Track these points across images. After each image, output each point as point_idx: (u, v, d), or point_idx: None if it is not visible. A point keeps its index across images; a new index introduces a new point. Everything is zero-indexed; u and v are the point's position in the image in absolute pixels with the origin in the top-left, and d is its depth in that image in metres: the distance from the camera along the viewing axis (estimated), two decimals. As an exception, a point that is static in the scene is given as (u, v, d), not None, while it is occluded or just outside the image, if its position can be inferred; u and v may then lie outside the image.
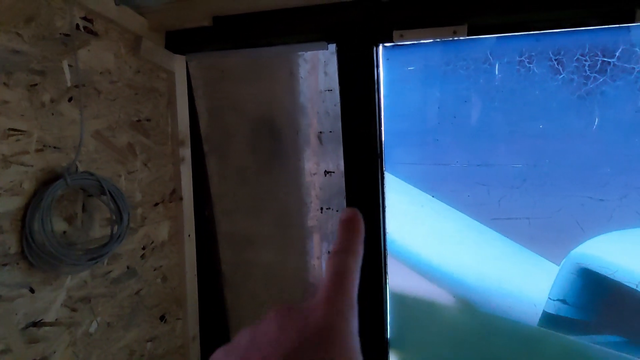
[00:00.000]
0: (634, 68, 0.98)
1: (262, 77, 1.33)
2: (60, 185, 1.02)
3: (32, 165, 0.99)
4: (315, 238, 1.40)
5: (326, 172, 1.33)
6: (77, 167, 1.09)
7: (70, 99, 1.07)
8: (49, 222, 0.99)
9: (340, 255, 0.32)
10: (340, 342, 0.27)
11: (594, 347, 1.13)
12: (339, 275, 0.30)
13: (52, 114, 1.03)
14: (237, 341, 0.29)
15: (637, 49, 0.97)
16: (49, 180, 1.02)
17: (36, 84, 0.99)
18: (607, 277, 1.08)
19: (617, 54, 0.99)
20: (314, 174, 1.35)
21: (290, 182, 1.38)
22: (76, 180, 1.05)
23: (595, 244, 1.09)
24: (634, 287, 1.06)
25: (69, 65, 1.06)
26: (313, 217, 1.38)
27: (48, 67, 1.02)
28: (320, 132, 1.30)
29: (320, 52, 1.23)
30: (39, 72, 1.00)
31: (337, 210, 1.34)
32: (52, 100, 1.03)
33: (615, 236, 1.07)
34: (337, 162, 1.30)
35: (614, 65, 0.99)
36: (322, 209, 1.36)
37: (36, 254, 0.98)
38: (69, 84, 1.06)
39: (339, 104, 1.23)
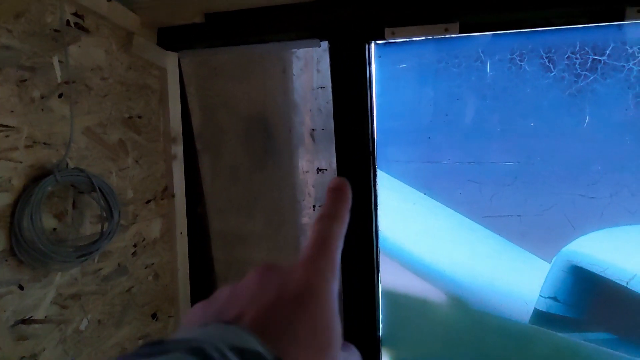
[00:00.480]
0: (624, 66, 0.99)
1: (255, 74, 1.33)
2: (50, 182, 1.01)
3: (21, 162, 0.99)
4: (308, 235, 1.39)
5: (319, 170, 1.33)
6: (67, 164, 1.08)
7: (60, 95, 1.06)
8: (38, 218, 0.99)
9: (325, 220, 0.32)
10: (317, 300, 0.27)
11: (585, 345, 1.13)
12: (322, 238, 0.31)
13: (42, 110, 1.03)
14: (217, 296, 0.30)
15: (627, 47, 0.98)
16: (38, 176, 1.01)
17: (26, 80, 0.99)
18: (598, 275, 1.09)
19: (607, 52, 0.99)
20: (307, 172, 1.35)
21: (283, 180, 1.38)
22: (66, 176, 1.04)
23: (586, 242, 1.09)
24: (625, 284, 1.07)
25: (60, 62, 1.06)
26: (306, 215, 1.38)
27: (38, 63, 1.01)
28: (313, 130, 1.30)
29: (313, 49, 1.23)
30: (29, 68, 1.00)
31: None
32: (42, 96, 1.02)
33: (606, 234, 1.07)
34: (329, 160, 1.30)
35: (605, 63, 1.00)
36: (314, 206, 1.36)
37: (25, 250, 0.98)
38: (59, 80, 1.06)
39: (331, 102, 1.23)
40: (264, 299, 0.27)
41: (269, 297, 0.27)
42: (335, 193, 0.33)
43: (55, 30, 1.04)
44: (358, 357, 0.31)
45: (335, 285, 0.29)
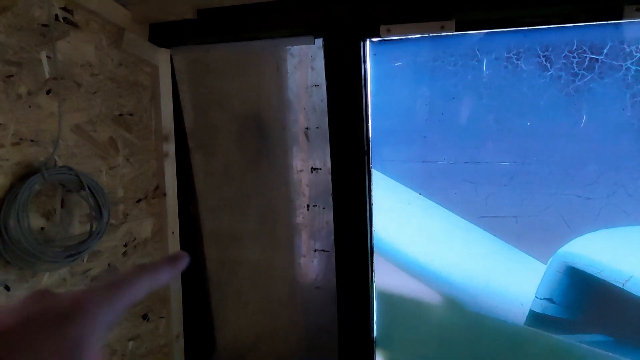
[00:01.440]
0: (621, 65, 0.97)
1: (249, 71, 1.31)
2: (38, 180, 0.99)
3: (7, 159, 0.96)
4: (302, 235, 1.38)
5: (313, 169, 1.31)
6: (55, 162, 1.06)
7: (48, 92, 1.04)
8: (25, 218, 0.97)
9: (140, 270, 0.32)
10: (79, 322, 0.27)
11: (581, 346, 1.12)
12: (122, 279, 0.31)
13: (29, 107, 1.00)
14: None
15: (625, 46, 0.97)
16: (25, 174, 0.99)
17: (12, 75, 0.96)
18: (594, 276, 1.08)
19: (605, 51, 0.98)
20: (301, 171, 1.33)
21: (276, 179, 1.36)
22: (54, 175, 1.02)
23: (582, 243, 1.08)
24: (621, 286, 1.06)
25: (48, 57, 1.03)
26: (300, 214, 1.36)
27: (25, 58, 0.99)
28: (307, 128, 1.28)
29: (307, 46, 1.21)
30: (16, 63, 0.97)
31: (323, 208, 1.32)
32: (29, 93, 1.00)
33: (602, 235, 1.06)
34: (324, 159, 1.28)
35: (602, 62, 0.99)
36: (308, 206, 1.34)
37: (12, 250, 0.95)
38: (47, 76, 1.03)
39: (326, 100, 1.21)
40: (23, 312, 0.27)
41: (30, 311, 0.27)
42: (171, 261, 0.34)
43: (44, 25, 1.02)
44: None
45: (105, 320, 0.28)
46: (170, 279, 0.34)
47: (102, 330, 0.27)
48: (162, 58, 1.32)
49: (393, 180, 1.23)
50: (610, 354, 1.09)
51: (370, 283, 1.28)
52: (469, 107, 1.12)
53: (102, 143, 1.18)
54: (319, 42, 1.18)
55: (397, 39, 1.13)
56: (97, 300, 0.28)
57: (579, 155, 1.05)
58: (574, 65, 1.01)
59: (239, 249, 1.47)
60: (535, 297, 1.14)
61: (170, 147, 1.38)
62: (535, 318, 1.15)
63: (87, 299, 0.28)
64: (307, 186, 1.33)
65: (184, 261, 0.35)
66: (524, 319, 1.16)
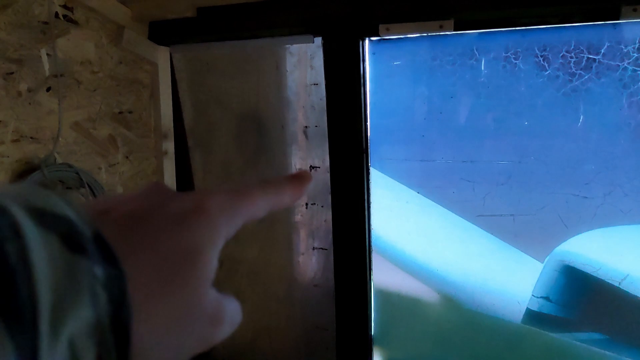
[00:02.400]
0: (619, 65, 0.98)
1: (248, 70, 1.31)
2: (37, 177, 0.99)
3: (7, 156, 0.97)
4: (301, 234, 1.38)
5: (312, 167, 1.31)
6: (55, 159, 1.06)
7: (48, 89, 1.04)
8: (24, 214, 0.97)
9: (266, 185, 0.29)
10: (198, 225, 0.24)
11: (577, 345, 1.13)
12: (246, 190, 0.27)
13: (30, 104, 1.01)
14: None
15: (622, 46, 0.97)
16: (25, 171, 1.00)
17: (12, 73, 0.97)
18: (591, 275, 1.09)
19: (602, 51, 0.99)
20: (300, 169, 1.33)
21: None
22: (54, 172, 1.03)
23: (579, 242, 1.09)
24: (617, 284, 1.06)
25: (48, 55, 1.04)
26: (298, 212, 1.37)
27: (25, 56, 0.99)
28: (306, 127, 1.29)
29: (307, 45, 1.22)
30: (16, 60, 0.98)
31: (322, 206, 1.33)
32: (29, 90, 1.00)
33: (599, 234, 1.07)
34: (322, 157, 1.29)
35: (599, 62, 0.99)
36: (307, 204, 1.35)
37: (11, 247, 0.96)
38: (47, 74, 1.04)
39: (325, 98, 1.21)
40: (136, 202, 0.24)
41: (143, 202, 0.24)
42: (295, 180, 0.30)
43: (44, 23, 1.02)
44: (237, 308, 0.27)
45: (225, 230, 0.25)
46: (293, 201, 0.30)
47: (220, 241, 0.24)
48: (162, 56, 1.32)
49: (391, 179, 1.24)
50: (607, 352, 1.10)
51: (368, 281, 1.29)
52: (467, 106, 1.12)
53: (101, 140, 1.19)
54: (318, 40, 1.18)
55: (396, 38, 1.13)
56: (221, 207, 0.25)
57: (576, 154, 1.05)
58: (572, 65, 1.01)
59: (237, 247, 1.47)
60: (532, 295, 1.15)
61: (169, 145, 1.38)
62: (532, 316, 1.16)
63: (209, 202, 0.24)
64: (305, 184, 1.34)
65: (308, 182, 0.31)
66: (521, 317, 1.17)
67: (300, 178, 0.30)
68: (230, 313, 0.26)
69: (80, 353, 0.18)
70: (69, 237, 0.18)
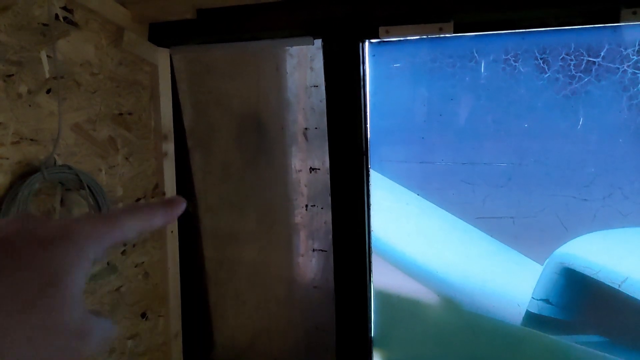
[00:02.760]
0: (618, 68, 0.98)
1: (248, 71, 1.31)
2: (37, 179, 0.99)
3: (7, 158, 0.97)
4: (301, 235, 1.38)
5: (311, 169, 1.31)
6: (55, 161, 1.06)
7: (48, 91, 1.04)
8: (24, 216, 0.97)
9: (135, 209, 0.31)
10: (61, 248, 0.26)
11: (577, 347, 1.13)
12: (115, 214, 0.29)
13: (30, 106, 1.01)
14: None
15: (622, 49, 0.97)
16: (25, 173, 1.00)
17: (12, 75, 0.97)
18: (590, 277, 1.09)
19: (602, 53, 0.99)
20: (299, 171, 1.33)
21: (275, 179, 1.37)
22: (54, 173, 1.03)
23: (579, 244, 1.09)
24: (617, 287, 1.06)
25: (48, 56, 1.04)
26: (298, 214, 1.37)
27: (25, 58, 0.99)
28: (306, 129, 1.29)
29: (307, 47, 1.22)
30: (16, 62, 0.98)
31: (322, 208, 1.33)
32: (29, 92, 1.00)
33: (599, 236, 1.07)
34: (322, 159, 1.29)
35: (599, 65, 0.99)
36: (307, 206, 1.35)
37: (11, 249, 0.96)
38: (47, 75, 1.04)
39: (324, 100, 1.21)
40: (4, 228, 0.26)
41: (9, 230, 0.26)
42: (167, 204, 0.33)
43: (44, 24, 1.02)
44: (108, 323, 0.29)
45: (91, 253, 0.27)
46: (164, 224, 0.32)
47: (87, 264, 0.26)
48: (162, 57, 1.32)
49: (391, 181, 1.24)
50: (606, 354, 1.10)
51: (368, 283, 1.29)
52: (467, 108, 1.12)
53: (101, 142, 1.19)
54: (318, 42, 1.18)
55: (395, 40, 1.13)
56: (86, 232, 0.27)
57: (576, 157, 1.05)
58: (571, 67, 1.01)
59: (237, 248, 1.47)
60: (532, 297, 1.15)
61: (169, 147, 1.38)
62: (531, 318, 1.16)
63: (75, 228, 0.27)
64: (305, 186, 1.34)
65: (180, 207, 0.33)
66: (521, 319, 1.17)
67: (172, 202, 0.33)
68: (100, 330, 0.27)
69: None
70: None
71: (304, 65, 1.25)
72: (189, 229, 1.49)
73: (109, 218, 0.29)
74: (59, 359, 0.25)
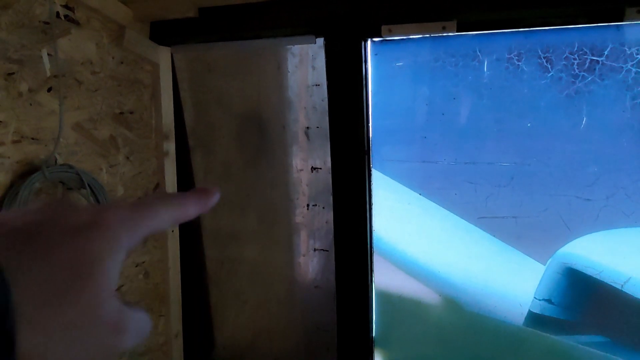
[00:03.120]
0: (622, 67, 0.98)
1: (249, 70, 1.31)
2: (38, 178, 0.99)
3: (8, 157, 0.96)
4: (302, 235, 1.38)
5: (313, 169, 1.31)
6: (56, 160, 1.06)
7: (49, 89, 1.04)
8: (25, 215, 0.96)
9: (169, 197, 0.29)
10: (94, 239, 0.24)
11: (579, 347, 1.12)
12: (147, 204, 0.28)
13: (30, 105, 1.00)
14: None
15: (625, 48, 0.97)
16: (26, 172, 0.99)
17: (13, 73, 0.96)
18: (593, 277, 1.08)
19: (605, 52, 0.98)
20: (301, 170, 1.33)
21: (276, 178, 1.36)
22: (55, 173, 1.02)
23: (582, 244, 1.08)
24: (619, 287, 1.06)
25: (49, 55, 1.03)
26: (299, 213, 1.36)
27: (26, 56, 0.99)
28: (308, 128, 1.29)
29: (308, 46, 1.21)
30: (17, 60, 0.97)
31: (323, 207, 1.32)
32: (30, 90, 1.00)
33: (602, 236, 1.07)
34: (324, 159, 1.28)
35: (603, 64, 0.99)
36: (308, 205, 1.34)
37: (11, 248, 0.95)
38: (48, 74, 1.03)
39: (326, 99, 1.21)
40: (32, 215, 0.24)
41: (39, 215, 0.24)
42: (201, 194, 0.31)
43: (45, 23, 1.02)
44: (145, 318, 0.27)
45: (126, 242, 0.25)
46: (197, 213, 0.31)
47: (121, 254, 0.25)
48: (163, 56, 1.32)
49: (393, 180, 1.23)
50: (609, 355, 1.10)
51: (369, 283, 1.29)
52: (470, 107, 1.12)
53: (102, 141, 1.18)
54: (320, 41, 1.18)
55: (398, 39, 1.13)
56: (120, 219, 0.25)
57: (579, 156, 1.05)
58: (575, 66, 1.01)
59: (238, 248, 1.47)
60: (534, 297, 1.14)
61: (170, 146, 1.38)
62: (533, 319, 1.15)
63: (108, 215, 0.25)
64: (307, 185, 1.33)
65: (214, 197, 0.32)
66: (523, 319, 1.16)
67: (206, 192, 0.32)
68: (136, 324, 0.26)
69: None
70: None
71: (305, 64, 1.24)
72: (190, 229, 1.49)
73: (144, 205, 0.27)
74: (94, 353, 0.24)
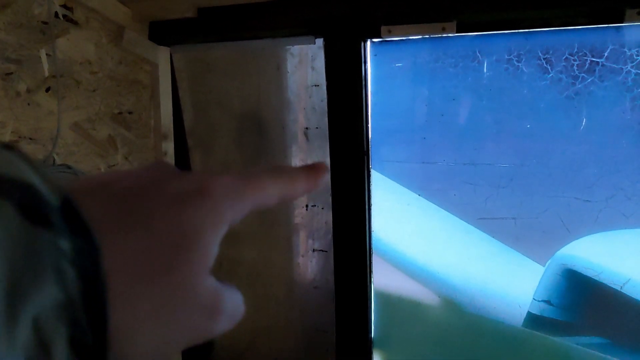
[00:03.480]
0: (622, 69, 0.97)
1: (249, 70, 1.31)
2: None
3: (6, 157, 0.96)
4: (301, 236, 1.38)
5: (312, 169, 1.31)
6: (54, 160, 1.06)
7: (47, 89, 1.04)
8: (23, 216, 0.96)
9: (278, 172, 0.27)
10: (202, 207, 0.22)
11: (578, 349, 1.12)
12: (255, 177, 0.25)
13: (28, 104, 1.00)
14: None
15: (626, 50, 0.97)
16: (24, 172, 0.99)
17: (11, 73, 0.96)
18: (592, 279, 1.08)
19: (605, 54, 0.98)
20: (316, 162, 1.33)
21: (275, 179, 1.36)
22: (52, 173, 1.02)
23: (581, 245, 1.08)
24: (619, 288, 1.06)
25: (47, 55, 1.03)
26: (298, 214, 1.36)
27: (24, 56, 0.99)
28: (307, 128, 1.28)
29: (308, 46, 1.21)
30: (15, 60, 0.97)
31: (322, 208, 1.32)
32: (28, 90, 1.00)
33: (601, 237, 1.06)
34: (323, 159, 1.28)
35: (603, 65, 0.99)
36: (307, 206, 1.34)
37: (9, 248, 0.95)
38: (46, 74, 1.03)
39: (325, 100, 1.21)
40: (143, 178, 0.22)
41: (147, 179, 0.22)
42: (310, 171, 0.29)
43: (43, 23, 1.02)
44: (239, 299, 0.25)
45: (229, 215, 0.23)
46: (306, 191, 0.28)
47: (223, 227, 0.23)
48: (162, 56, 1.32)
49: (392, 181, 1.23)
50: (608, 356, 1.10)
51: (368, 283, 1.28)
52: (469, 108, 1.12)
53: (101, 141, 1.18)
54: (320, 42, 1.18)
55: (397, 40, 1.13)
56: (225, 189, 0.23)
57: (579, 157, 1.05)
58: (575, 68, 1.01)
59: (237, 248, 1.47)
60: (533, 299, 1.14)
61: (169, 146, 1.38)
62: (533, 320, 1.15)
63: (213, 184, 0.23)
64: (306, 186, 1.33)
65: (325, 175, 0.29)
66: (522, 320, 1.16)
67: (316, 169, 0.29)
68: (231, 305, 0.24)
69: (49, 335, 0.16)
70: (29, 207, 0.16)
71: (305, 64, 1.24)
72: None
73: (252, 177, 0.25)
74: (185, 336, 0.22)
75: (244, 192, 0.24)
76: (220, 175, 0.24)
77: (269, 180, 0.26)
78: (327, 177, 0.29)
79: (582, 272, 1.09)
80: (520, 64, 1.05)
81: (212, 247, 0.22)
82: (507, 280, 1.17)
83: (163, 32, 1.29)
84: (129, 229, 0.20)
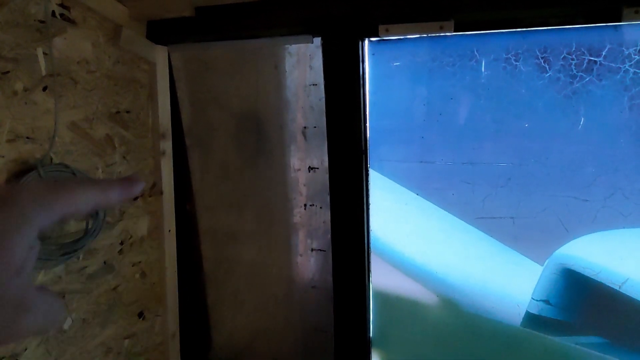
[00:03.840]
0: (620, 68, 0.97)
1: (247, 70, 1.31)
2: (33, 177, 0.98)
3: (3, 156, 0.96)
4: (299, 235, 1.38)
5: (310, 168, 1.31)
6: (51, 159, 1.05)
7: (44, 88, 1.03)
8: (20, 215, 0.96)
9: (90, 182, 0.31)
10: (3, 213, 0.25)
11: (576, 348, 1.12)
12: (64, 187, 0.28)
13: (25, 103, 1.00)
14: None
15: (623, 49, 0.97)
16: (21, 171, 0.98)
17: (8, 72, 0.96)
18: (590, 278, 1.08)
19: (603, 53, 0.98)
20: (298, 170, 1.32)
21: (273, 178, 1.36)
22: (50, 172, 1.02)
23: (579, 245, 1.08)
24: (617, 288, 1.06)
25: (44, 54, 1.03)
26: (297, 213, 1.36)
27: (21, 55, 0.98)
28: (305, 128, 1.28)
29: (306, 45, 1.21)
30: (12, 59, 0.96)
31: (320, 207, 1.32)
32: (25, 89, 0.99)
33: (599, 237, 1.06)
34: (321, 158, 1.28)
35: (601, 64, 0.98)
36: (305, 205, 1.34)
37: (6, 248, 0.95)
38: (43, 73, 1.03)
39: (324, 99, 1.20)
40: None
41: None
42: (125, 183, 0.32)
43: (40, 21, 1.01)
44: (60, 304, 0.28)
45: (36, 222, 0.26)
46: (120, 201, 0.32)
47: (30, 232, 0.25)
48: (160, 55, 1.31)
49: (390, 181, 1.23)
50: (606, 356, 1.09)
51: (366, 283, 1.28)
52: (467, 107, 1.12)
53: (98, 140, 1.18)
54: (318, 41, 1.17)
55: (395, 39, 1.12)
56: (32, 197, 0.26)
57: (577, 157, 1.05)
58: (573, 67, 1.00)
59: (235, 248, 1.47)
60: (532, 298, 1.14)
61: (167, 145, 1.37)
62: (531, 319, 1.15)
63: (20, 192, 0.26)
64: (304, 185, 1.33)
65: (138, 187, 0.33)
66: (520, 320, 1.16)
67: (130, 180, 0.33)
68: (45, 307, 0.26)
69: None
70: None
71: (303, 63, 1.24)
72: (187, 228, 1.49)
73: (61, 187, 0.28)
74: None
75: (51, 201, 0.27)
76: (29, 185, 0.27)
77: (81, 190, 0.29)
78: (140, 188, 0.33)
79: (581, 272, 1.09)
80: (518, 63, 1.04)
81: (16, 249, 0.25)
82: (506, 280, 1.16)
83: (161, 31, 1.29)
84: None
